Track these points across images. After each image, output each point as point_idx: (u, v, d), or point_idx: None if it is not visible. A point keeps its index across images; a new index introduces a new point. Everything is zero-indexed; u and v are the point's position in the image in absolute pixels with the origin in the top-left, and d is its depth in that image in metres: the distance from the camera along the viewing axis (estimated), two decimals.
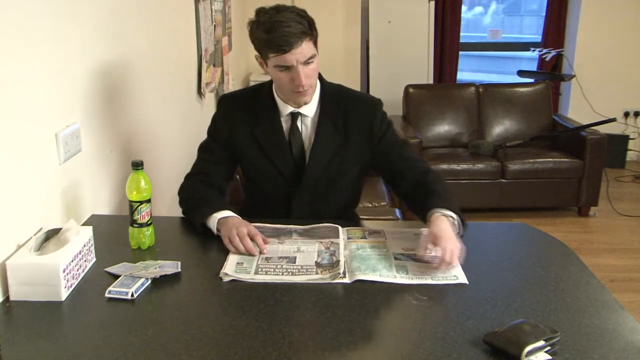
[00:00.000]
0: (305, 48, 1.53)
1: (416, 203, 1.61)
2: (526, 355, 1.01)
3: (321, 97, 1.70)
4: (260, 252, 1.44)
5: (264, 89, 1.72)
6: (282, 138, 1.69)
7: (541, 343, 1.03)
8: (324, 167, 1.69)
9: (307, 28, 1.53)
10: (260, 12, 1.56)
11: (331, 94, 1.71)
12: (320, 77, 1.70)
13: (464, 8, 5.29)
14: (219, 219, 1.53)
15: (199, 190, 1.66)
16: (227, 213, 1.55)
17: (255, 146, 1.70)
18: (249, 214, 1.66)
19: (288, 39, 1.49)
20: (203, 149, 1.78)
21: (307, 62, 1.55)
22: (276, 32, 1.49)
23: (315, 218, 1.64)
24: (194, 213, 1.61)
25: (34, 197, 1.38)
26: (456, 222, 1.46)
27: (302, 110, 1.68)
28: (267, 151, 1.70)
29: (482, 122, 4.53)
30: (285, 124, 1.70)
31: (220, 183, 1.73)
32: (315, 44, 1.57)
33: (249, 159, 1.73)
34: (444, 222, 1.41)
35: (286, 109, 1.68)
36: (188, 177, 1.75)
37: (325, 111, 1.69)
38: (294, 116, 1.69)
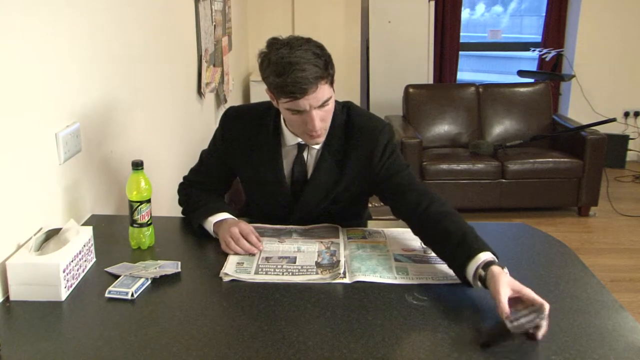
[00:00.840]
0: (320, 93, 1.39)
1: (440, 249, 1.38)
2: (511, 322, 1.07)
3: (330, 130, 1.56)
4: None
5: (271, 113, 1.60)
6: (280, 168, 1.59)
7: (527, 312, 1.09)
8: (319, 200, 1.61)
9: (323, 69, 1.38)
10: (272, 45, 1.41)
11: (340, 125, 1.58)
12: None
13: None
14: (214, 223, 1.53)
15: (195, 193, 1.65)
16: (222, 215, 1.54)
17: (251, 170, 1.62)
18: (249, 215, 1.66)
19: (301, 86, 1.35)
20: (202, 158, 1.73)
21: (321, 105, 1.43)
22: (288, 77, 1.35)
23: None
24: (191, 217, 1.61)
25: (34, 197, 1.38)
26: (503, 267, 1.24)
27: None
28: (263, 177, 1.61)
29: (482, 122, 4.53)
30: (290, 152, 1.60)
31: (215, 192, 1.70)
32: (331, 84, 1.44)
33: (245, 180, 1.69)
34: (502, 274, 1.19)
35: (293, 140, 1.58)
36: (185, 179, 1.74)
37: (330, 143, 1.57)
38: (300, 147, 1.59)
